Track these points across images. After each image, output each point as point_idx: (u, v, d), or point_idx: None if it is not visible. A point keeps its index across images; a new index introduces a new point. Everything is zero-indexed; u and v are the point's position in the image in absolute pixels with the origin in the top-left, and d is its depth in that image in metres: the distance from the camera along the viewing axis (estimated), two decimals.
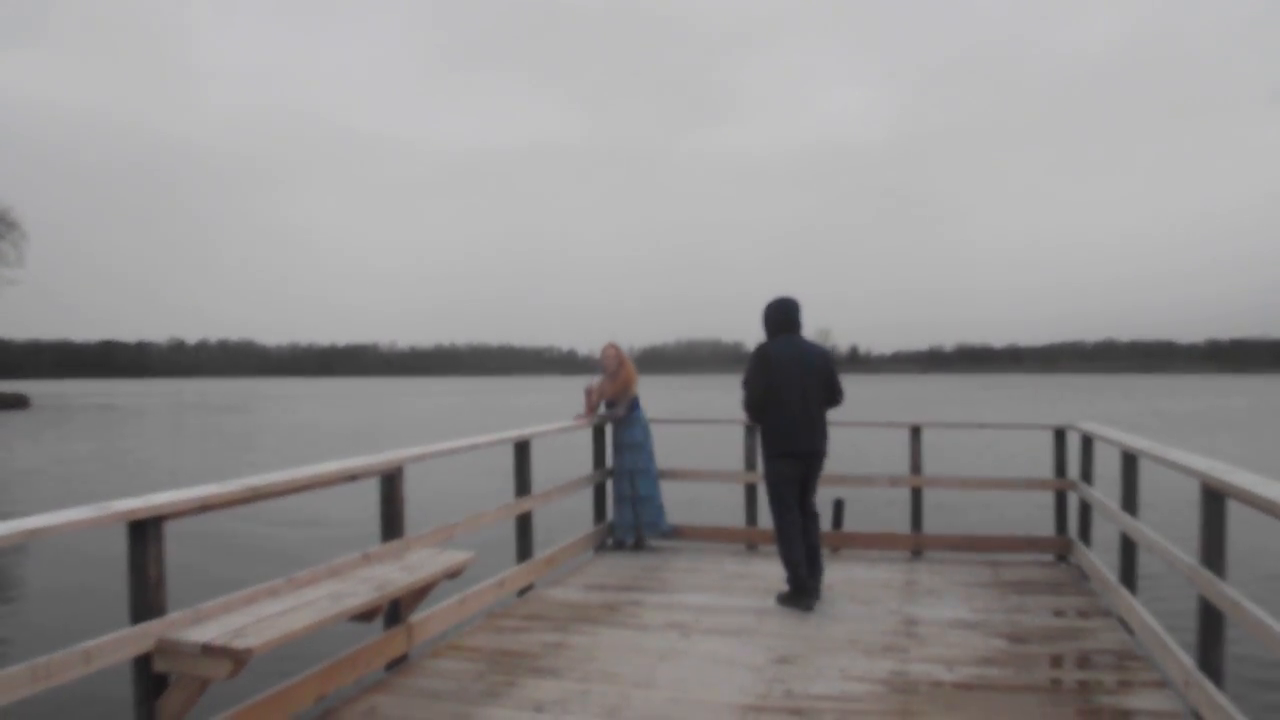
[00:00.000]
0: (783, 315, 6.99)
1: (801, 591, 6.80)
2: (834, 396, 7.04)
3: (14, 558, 12.52)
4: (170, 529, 3.91)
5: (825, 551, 8.85)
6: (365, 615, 4.82)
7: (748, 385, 6.93)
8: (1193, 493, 4.73)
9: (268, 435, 38.00)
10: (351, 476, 5.28)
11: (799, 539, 6.85)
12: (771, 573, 7.87)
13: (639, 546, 8.90)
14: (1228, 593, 4.18)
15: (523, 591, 7.18)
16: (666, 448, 8.98)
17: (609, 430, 9.09)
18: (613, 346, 9.04)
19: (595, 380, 9.15)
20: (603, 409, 9.01)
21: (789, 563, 6.85)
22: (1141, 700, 4.85)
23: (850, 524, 9.82)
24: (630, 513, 8.88)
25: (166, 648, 3.70)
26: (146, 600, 3.72)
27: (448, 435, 7.91)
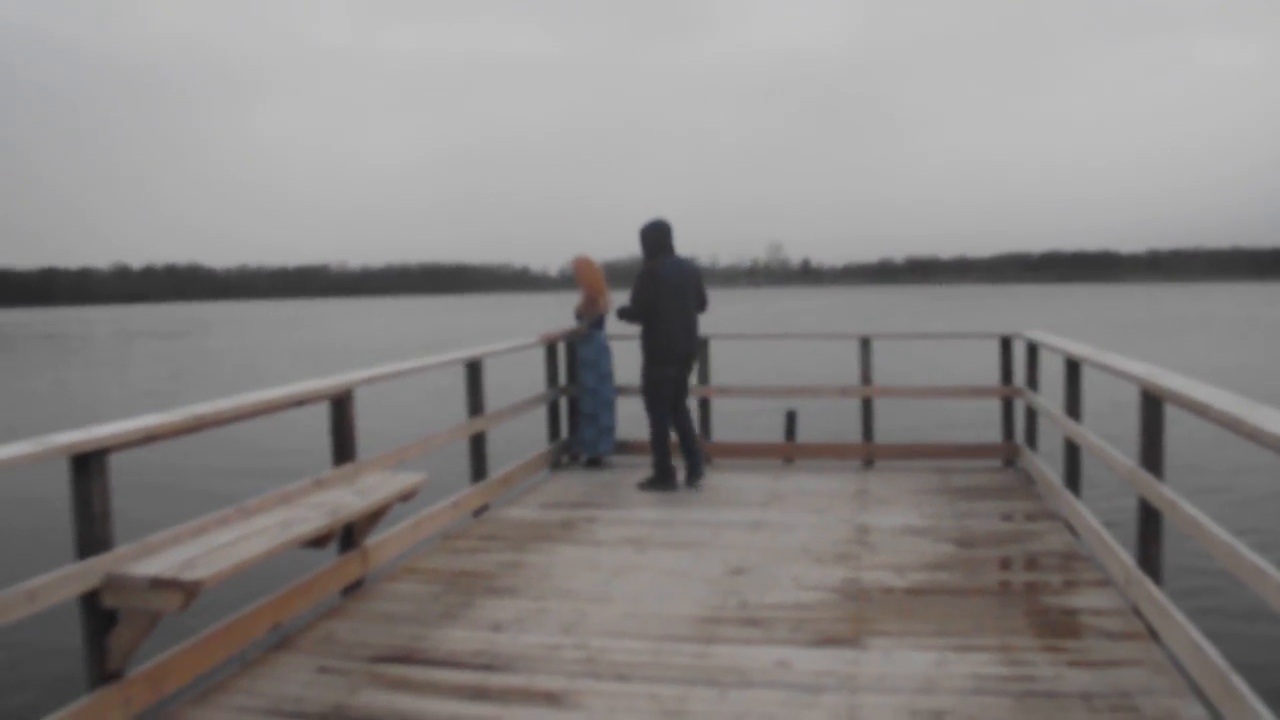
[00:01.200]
0: (662, 237, 7.88)
1: (666, 477, 7.87)
2: (703, 305, 8.10)
3: None
4: (115, 460, 3.84)
5: (778, 462, 8.99)
6: (318, 541, 4.80)
7: (636, 300, 7.82)
8: (1133, 396, 4.80)
9: (220, 361, 37.54)
10: (300, 401, 5.22)
11: (669, 433, 7.94)
12: (725, 485, 7.96)
13: (594, 463, 8.92)
14: (1165, 493, 4.27)
15: (478, 512, 7.19)
16: (621, 363, 8.97)
17: (561, 347, 9.06)
18: (576, 260, 8.94)
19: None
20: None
21: (661, 452, 7.89)
22: (1086, 599, 4.98)
23: (802, 435, 9.94)
24: (582, 428, 8.89)
25: (115, 583, 3.64)
26: (93, 535, 3.65)
27: (398, 357, 7.86)
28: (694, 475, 7.91)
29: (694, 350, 8.05)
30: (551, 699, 3.96)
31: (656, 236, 7.87)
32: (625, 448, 9.06)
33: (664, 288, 7.73)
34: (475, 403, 7.33)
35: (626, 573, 5.66)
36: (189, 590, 3.62)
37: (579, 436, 8.91)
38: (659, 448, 7.92)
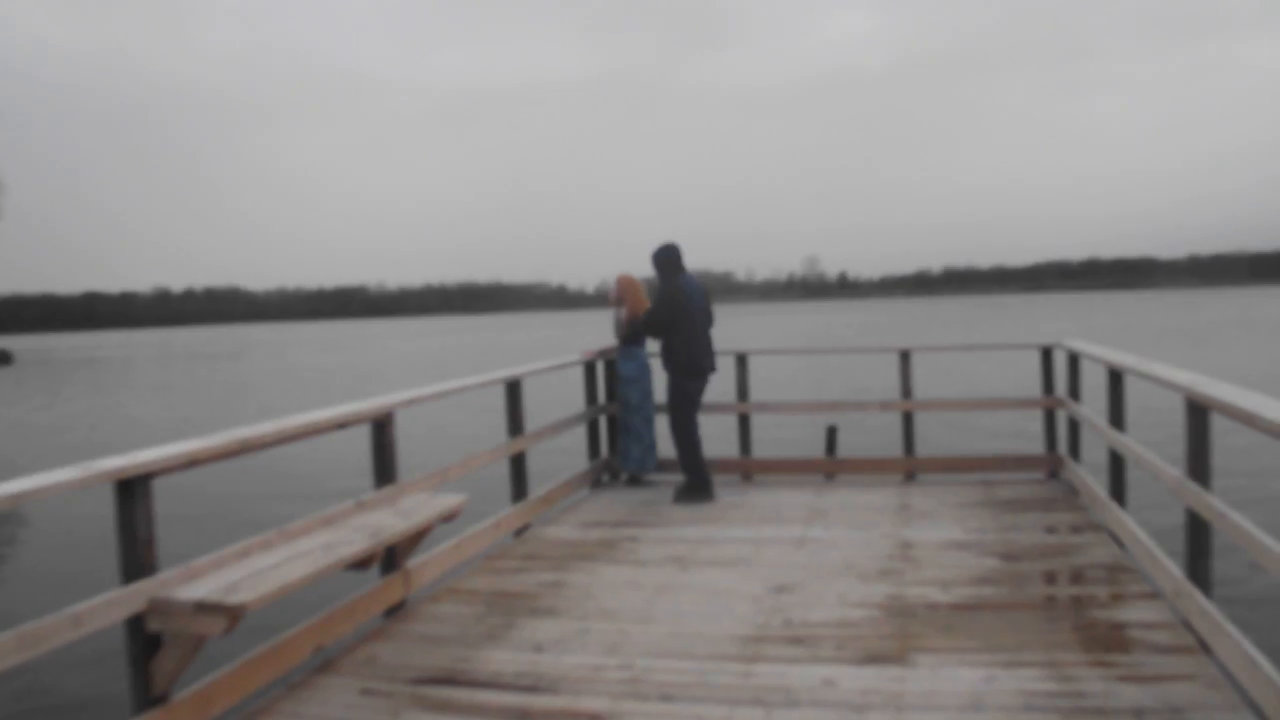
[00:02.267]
0: (675, 258, 8.22)
1: (702, 487, 8.05)
2: (711, 320, 8.41)
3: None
4: (159, 485, 3.87)
5: (820, 478, 8.94)
6: (361, 563, 4.81)
7: (657, 316, 8.13)
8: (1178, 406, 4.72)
9: (260, 383, 37.90)
10: (342, 424, 5.24)
11: (700, 443, 8.17)
12: (767, 502, 7.92)
13: (634, 481, 8.90)
14: (1213, 503, 4.20)
15: (519, 532, 7.19)
16: (660, 380, 8.97)
17: (600, 366, 9.05)
18: (619, 277, 8.95)
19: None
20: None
21: (697, 465, 8.10)
22: (1133, 612, 4.90)
23: (843, 450, 9.88)
24: (628, 445, 8.84)
25: (159, 607, 3.66)
26: (137, 559, 3.68)
27: (439, 378, 7.92)
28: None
29: (714, 364, 8.32)
30: None
31: (671, 258, 8.21)
32: (665, 466, 9.02)
33: (687, 305, 8.07)
34: (515, 423, 7.34)
35: (669, 592, 5.63)
36: (233, 614, 3.64)
37: (625, 454, 8.87)
38: (694, 458, 8.11)
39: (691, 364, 8.12)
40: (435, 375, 28.61)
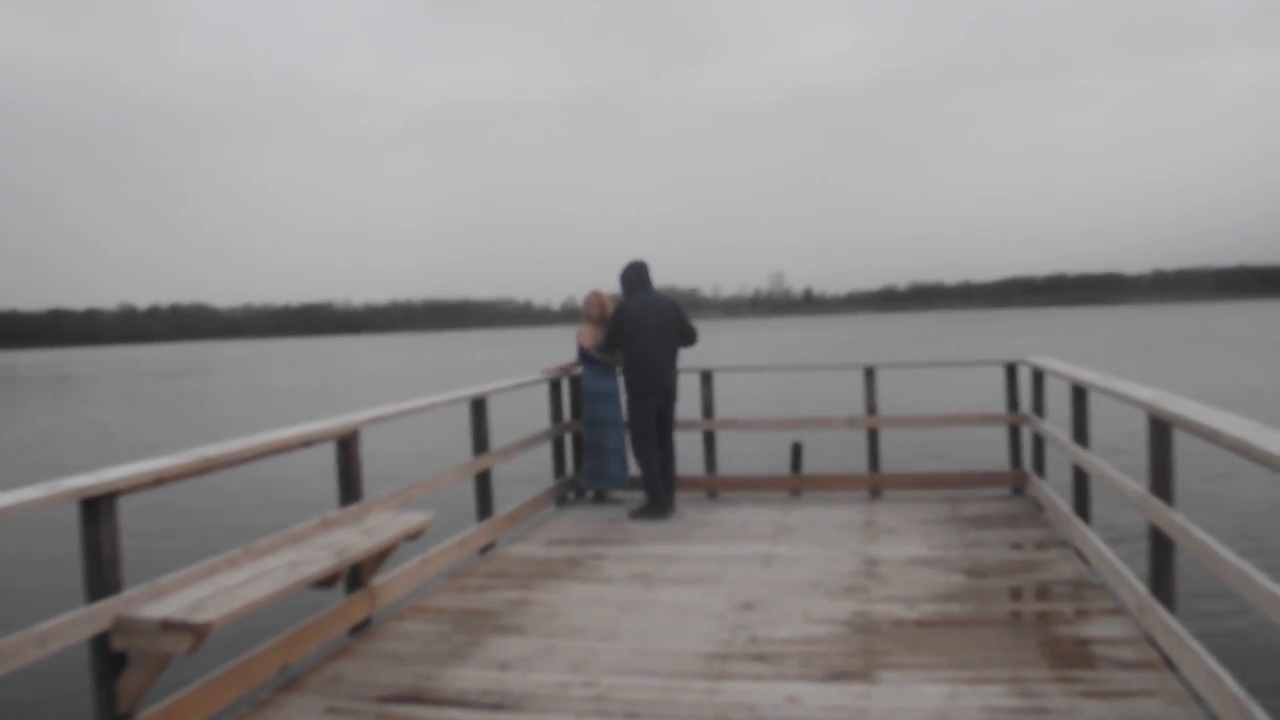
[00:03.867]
0: (637, 276, 8.27)
1: (658, 506, 8.09)
2: (686, 338, 8.35)
3: None
4: (124, 503, 3.85)
5: (785, 495, 8.96)
6: (326, 582, 4.79)
7: (606, 337, 8.29)
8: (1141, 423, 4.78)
9: (226, 401, 37.56)
10: (307, 442, 5.22)
11: (656, 463, 8.14)
12: (732, 519, 7.93)
13: (599, 499, 8.89)
14: (1176, 519, 4.25)
15: (484, 550, 7.17)
16: None
17: (565, 383, 9.05)
18: (596, 293, 8.95)
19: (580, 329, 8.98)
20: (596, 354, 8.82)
21: (649, 483, 8.14)
22: (1098, 628, 4.95)
23: (808, 466, 9.91)
24: (596, 461, 8.81)
25: (124, 625, 3.65)
26: (102, 578, 3.66)
27: (405, 395, 7.90)
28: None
29: (672, 386, 8.28)
30: None
31: (632, 276, 8.26)
32: (633, 482, 9.01)
33: (633, 324, 8.06)
34: (480, 440, 7.32)
35: (634, 609, 5.63)
36: (198, 632, 3.62)
37: (603, 471, 8.76)
38: (648, 477, 8.14)
39: (642, 382, 8.11)
40: (401, 392, 28.48)
